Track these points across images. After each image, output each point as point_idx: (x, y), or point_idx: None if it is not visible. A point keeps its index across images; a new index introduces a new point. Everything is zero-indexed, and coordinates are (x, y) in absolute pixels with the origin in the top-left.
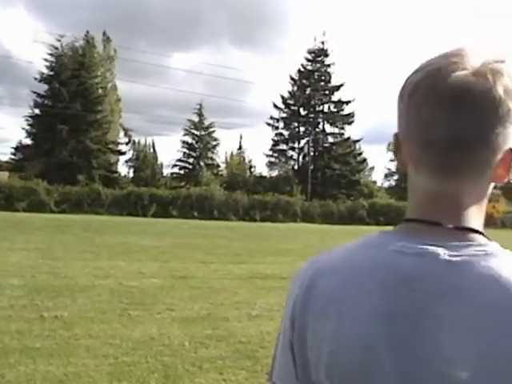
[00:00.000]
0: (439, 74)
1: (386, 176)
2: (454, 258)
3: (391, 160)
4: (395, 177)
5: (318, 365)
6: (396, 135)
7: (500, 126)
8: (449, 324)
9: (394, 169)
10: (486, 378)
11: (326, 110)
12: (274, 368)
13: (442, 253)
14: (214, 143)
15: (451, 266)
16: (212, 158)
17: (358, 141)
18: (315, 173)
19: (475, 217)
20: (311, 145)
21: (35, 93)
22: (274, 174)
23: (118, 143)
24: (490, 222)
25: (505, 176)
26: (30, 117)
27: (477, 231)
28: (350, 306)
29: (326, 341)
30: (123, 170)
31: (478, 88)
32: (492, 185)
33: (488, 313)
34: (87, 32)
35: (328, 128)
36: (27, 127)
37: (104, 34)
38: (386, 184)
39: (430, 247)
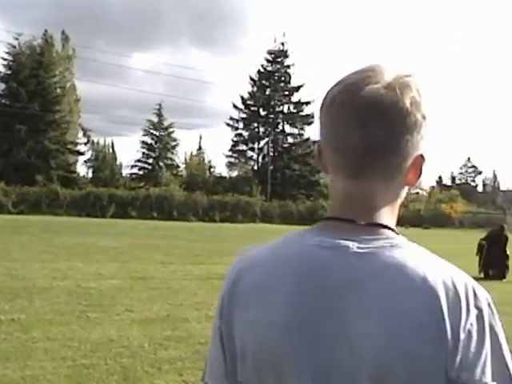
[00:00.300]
0: (354, 87)
1: None
2: (362, 250)
3: None
4: None
5: (244, 353)
6: (318, 143)
7: (408, 134)
8: (356, 309)
9: None
10: (389, 358)
11: (285, 110)
12: (205, 368)
13: (352, 246)
14: (174, 143)
15: (359, 257)
16: (171, 159)
17: (317, 141)
18: (275, 173)
19: (387, 215)
20: (271, 145)
21: None
22: (234, 174)
23: (77, 143)
24: (448, 222)
25: (415, 180)
26: None
27: (387, 227)
28: (270, 296)
29: (249, 328)
30: (82, 170)
31: (387, 100)
32: (406, 188)
33: (391, 299)
34: (45, 31)
35: (288, 128)
36: None
37: (63, 32)
38: None
39: (342, 241)
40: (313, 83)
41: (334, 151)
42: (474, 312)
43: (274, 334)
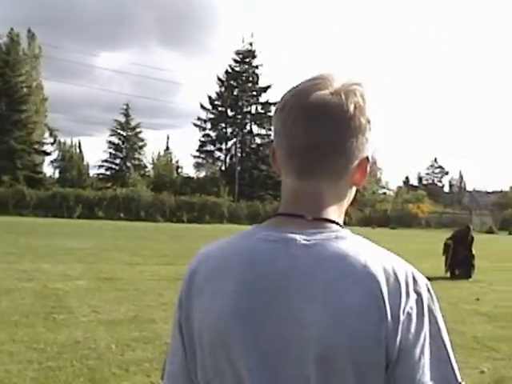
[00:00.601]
0: (304, 93)
1: None
2: (308, 242)
3: None
4: None
5: (201, 339)
6: (272, 146)
7: (353, 137)
8: (302, 295)
9: None
10: (334, 339)
11: (253, 111)
12: (164, 367)
13: (299, 238)
14: (141, 144)
15: (306, 248)
16: (139, 159)
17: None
18: (242, 174)
19: (333, 212)
20: (238, 146)
21: None
22: (202, 175)
23: (44, 143)
24: (414, 222)
25: (361, 180)
26: None
27: (333, 221)
28: (221, 285)
29: (204, 315)
30: (48, 170)
31: (332, 104)
32: (353, 188)
33: (335, 285)
34: (11, 29)
35: (255, 129)
36: None
37: (29, 31)
38: None
39: (290, 235)
40: (281, 83)
41: (284, 152)
42: (413, 296)
43: (225, 319)
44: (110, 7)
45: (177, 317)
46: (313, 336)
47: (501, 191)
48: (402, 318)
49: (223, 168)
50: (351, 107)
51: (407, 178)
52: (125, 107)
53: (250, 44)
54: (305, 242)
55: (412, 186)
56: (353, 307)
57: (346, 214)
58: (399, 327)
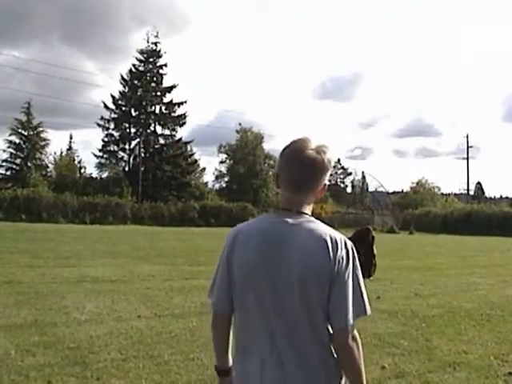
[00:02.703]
0: (298, 150)
1: (217, 178)
2: (294, 222)
3: (222, 162)
4: (226, 178)
5: (238, 271)
6: (276, 171)
7: (323, 174)
8: (289, 249)
9: (224, 170)
10: (305, 271)
11: (157, 111)
12: (213, 284)
13: (290, 221)
14: (43, 143)
15: (293, 226)
16: (40, 159)
17: (189, 142)
18: (146, 174)
19: (307, 209)
20: (142, 146)
21: None
22: (105, 175)
23: None
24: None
25: (320, 195)
26: None
27: (306, 213)
28: (249, 243)
29: (240, 260)
30: None
31: (314, 158)
32: (315, 198)
33: (306, 244)
34: None
35: (159, 129)
36: None
37: None
38: (217, 186)
39: (285, 219)
40: (186, 84)
41: (286, 179)
42: (344, 250)
43: (252, 259)
44: (10, 3)
45: (225, 256)
46: (295, 265)
47: (402, 191)
48: (337, 259)
49: (126, 168)
50: (324, 159)
51: None
52: (26, 105)
53: (155, 44)
54: (292, 222)
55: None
56: (314, 252)
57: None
58: (336, 265)
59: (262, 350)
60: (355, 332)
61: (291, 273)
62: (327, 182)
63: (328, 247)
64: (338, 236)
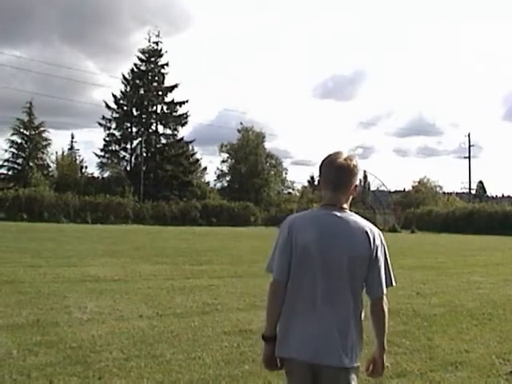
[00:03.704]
0: (334, 159)
1: (219, 177)
2: (341, 215)
3: (223, 161)
4: (227, 178)
5: (297, 247)
6: (319, 178)
7: (353, 177)
8: (341, 236)
9: (226, 170)
10: (353, 252)
11: (158, 110)
12: (272, 260)
13: (338, 214)
14: (45, 143)
15: (340, 218)
16: (42, 159)
17: (190, 142)
18: (148, 174)
19: (346, 204)
20: (144, 146)
21: None
22: (106, 174)
23: None
24: None
25: (355, 193)
26: None
27: (346, 208)
28: (307, 229)
29: (300, 240)
30: None
31: (345, 165)
32: (352, 195)
33: (352, 231)
34: None
35: (161, 129)
36: None
37: None
38: (219, 185)
39: (333, 212)
40: (188, 83)
41: (326, 181)
42: (379, 239)
43: (311, 242)
44: (11, 3)
45: (286, 236)
46: (346, 249)
47: (403, 190)
48: (375, 247)
49: (128, 168)
50: (351, 165)
51: (312, 178)
52: (27, 105)
53: (156, 43)
54: (339, 215)
55: (316, 185)
56: (360, 241)
57: (351, 205)
58: (374, 249)
59: (307, 310)
60: (385, 298)
61: (342, 254)
62: (358, 182)
63: (369, 237)
64: (374, 229)
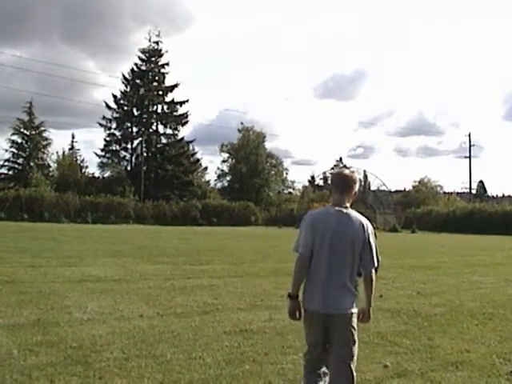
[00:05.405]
0: (341, 172)
1: (219, 177)
2: (347, 212)
3: (224, 161)
4: (228, 177)
5: (317, 233)
6: (329, 185)
7: (355, 185)
8: (347, 225)
9: (226, 170)
10: (354, 236)
11: (159, 110)
12: (298, 243)
13: (344, 210)
14: (45, 143)
15: (346, 213)
16: (43, 159)
17: (191, 141)
18: (148, 174)
19: (348, 204)
20: (144, 145)
21: None
22: (107, 174)
23: None
24: None
25: (355, 197)
26: None
27: (349, 207)
28: (326, 219)
29: (319, 228)
30: None
31: (350, 177)
32: (351, 199)
33: (354, 222)
34: None
35: (161, 128)
36: None
37: None
38: (219, 185)
39: (342, 209)
40: (188, 83)
41: (335, 187)
42: (371, 229)
43: (326, 229)
44: (10, 2)
45: (309, 224)
46: (351, 234)
47: (404, 190)
48: (367, 233)
49: (128, 168)
50: (355, 177)
51: (312, 177)
52: (28, 105)
53: (157, 43)
54: (345, 211)
55: (317, 185)
56: (358, 228)
57: (351, 205)
58: (367, 236)
59: (323, 275)
60: (373, 271)
61: (348, 237)
62: (357, 191)
63: (364, 227)
64: (367, 221)
